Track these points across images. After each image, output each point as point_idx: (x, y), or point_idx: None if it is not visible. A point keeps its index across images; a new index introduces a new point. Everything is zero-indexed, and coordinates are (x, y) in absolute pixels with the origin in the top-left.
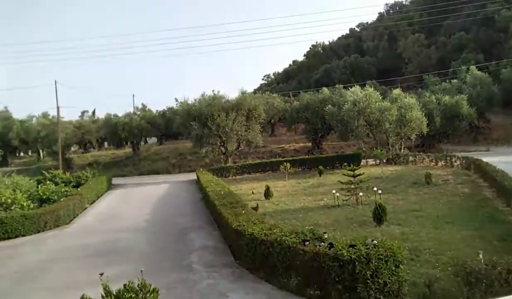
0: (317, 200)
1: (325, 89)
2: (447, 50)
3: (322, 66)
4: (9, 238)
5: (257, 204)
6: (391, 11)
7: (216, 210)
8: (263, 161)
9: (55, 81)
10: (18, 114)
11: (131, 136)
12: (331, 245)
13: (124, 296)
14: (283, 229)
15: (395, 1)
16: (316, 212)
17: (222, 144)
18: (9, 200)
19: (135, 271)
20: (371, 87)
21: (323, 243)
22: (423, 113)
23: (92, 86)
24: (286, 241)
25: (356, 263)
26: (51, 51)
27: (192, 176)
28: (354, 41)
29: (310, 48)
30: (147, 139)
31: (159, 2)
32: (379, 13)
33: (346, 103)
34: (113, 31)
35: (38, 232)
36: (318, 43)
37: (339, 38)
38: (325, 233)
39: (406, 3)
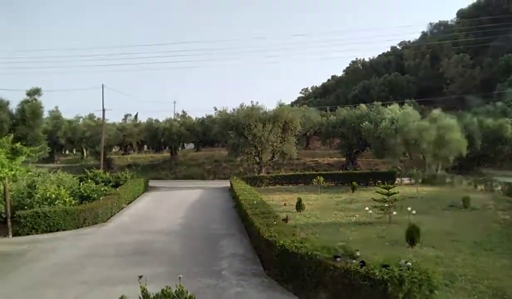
0: (349, 216)
1: (362, 106)
2: (493, 72)
3: (361, 82)
4: (51, 231)
5: (287, 216)
6: (435, 30)
7: (248, 219)
8: (296, 173)
9: (102, 85)
10: (67, 114)
11: (170, 141)
12: (363, 263)
13: None
14: (315, 243)
15: (439, 21)
16: (348, 228)
17: (257, 154)
18: (53, 195)
19: (168, 273)
20: (410, 106)
21: (354, 261)
22: (464, 135)
23: (137, 91)
24: (317, 256)
25: (388, 284)
26: (100, 56)
27: (226, 183)
28: (395, 59)
29: (349, 64)
30: (184, 144)
31: (200, 15)
32: (422, 32)
33: (383, 121)
34: (161, 40)
35: (78, 227)
36: (358, 59)
37: (379, 55)
38: (357, 250)
39: (451, 23)
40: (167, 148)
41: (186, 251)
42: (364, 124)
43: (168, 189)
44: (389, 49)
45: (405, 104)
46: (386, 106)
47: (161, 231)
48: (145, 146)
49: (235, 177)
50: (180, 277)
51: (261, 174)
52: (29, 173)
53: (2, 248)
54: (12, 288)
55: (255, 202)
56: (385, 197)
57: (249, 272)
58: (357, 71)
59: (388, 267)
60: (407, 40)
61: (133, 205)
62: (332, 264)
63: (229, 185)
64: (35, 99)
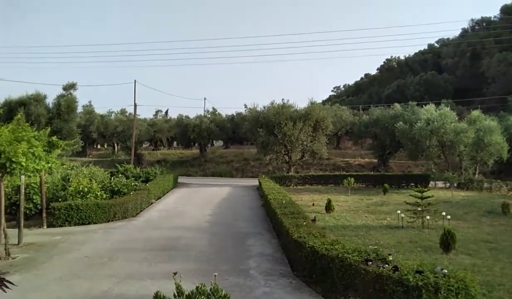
0: (380, 219)
1: (397, 105)
2: None
3: (395, 81)
4: (83, 224)
5: (315, 217)
6: (476, 27)
7: (276, 219)
8: (326, 173)
9: (135, 81)
10: (99, 109)
11: (199, 138)
12: (395, 269)
13: (196, 298)
14: (345, 246)
15: (482, 17)
16: (378, 231)
17: (287, 153)
18: (86, 189)
19: (196, 270)
20: (447, 106)
21: (387, 265)
22: (505, 138)
23: (168, 87)
24: (348, 259)
25: (423, 290)
26: (132, 52)
27: (254, 182)
28: (432, 58)
29: (384, 62)
30: (213, 141)
31: (230, 11)
32: (462, 29)
33: (418, 121)
34: (191, 36)
35: (108, 221)
36: (393, 57)
37: (416, 54)
38: (390, 255)
39: (495, 19)
40: (196, 144)
41: (213, 248)
42: (398, 124)
43: (197, 185)
44: (426, 47)
45: (441, 104)
46: (422, 106)
47: (190, 227)
48: (175, 142)
49: (263, 176)
50: (215, 275)
51: (290, 174)
52: (64, 166)
53: (38, 238)
54: (46, 278)
55: (284, 201)
56: (419, 200)
57: (277, 273)
58: (392, 70)
59: (422, 273)
60: (445, 37)
61: (162, 200)
62: (364, 268)
63: (257, 183)
64: (71, 94)
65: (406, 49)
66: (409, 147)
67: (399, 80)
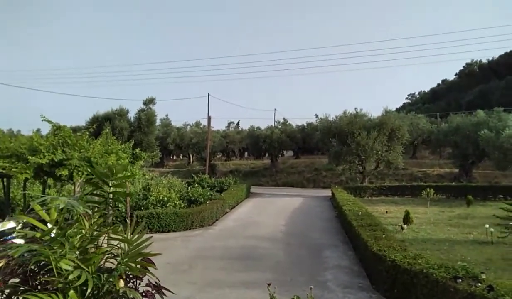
0: (465, 233)
1: (480, 112)
2: None
3: (477, 86)
4: (163, 231)
5: (401, 226)
6: None
7: (352, 230)
8: (403, 184)
9: (208, 94)
10: (176, 122)
11: (270, 148)
12: (490, 288)
13: None
14: (429, 261)
15: None
16: (464, 247)
17: (360, 163)
18: (166, 198)
19: (274, 280)
20: None
21: (479, 284)
22: None
23: (239, 100)
24: (434, 275)
25: None
26: (205, 67)
27: (326, 192)
28: None
29: (463, 66)
30: (284, 152)
31: (299, 23)
32: None
33: (507, 128)
34: (260, 49)
35: (186, 229)
36: (473, 61)
37: (500, 56)
38: (482, 272)
39: None
40: (267, 155)
41: (289, 258)
42: (482, 132)
43: (269, 195)
44: None
45: None
46: (510, 112)
47: (264, 237)
48: (246, 153)
49: (336, 186)
50: (311, 288)
51: (364, 184)
52: (145, 176)
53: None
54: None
55: (360, 213)
56: (511, 213)
57: (355, 286)
58: (472, 74)
59: None
60: None
61: (236, 209)
62: (453, 286)
63: (328, 194)
64: (150, 108)
65: (489, 52)
66: (495, 157)
67: (481, 85)
